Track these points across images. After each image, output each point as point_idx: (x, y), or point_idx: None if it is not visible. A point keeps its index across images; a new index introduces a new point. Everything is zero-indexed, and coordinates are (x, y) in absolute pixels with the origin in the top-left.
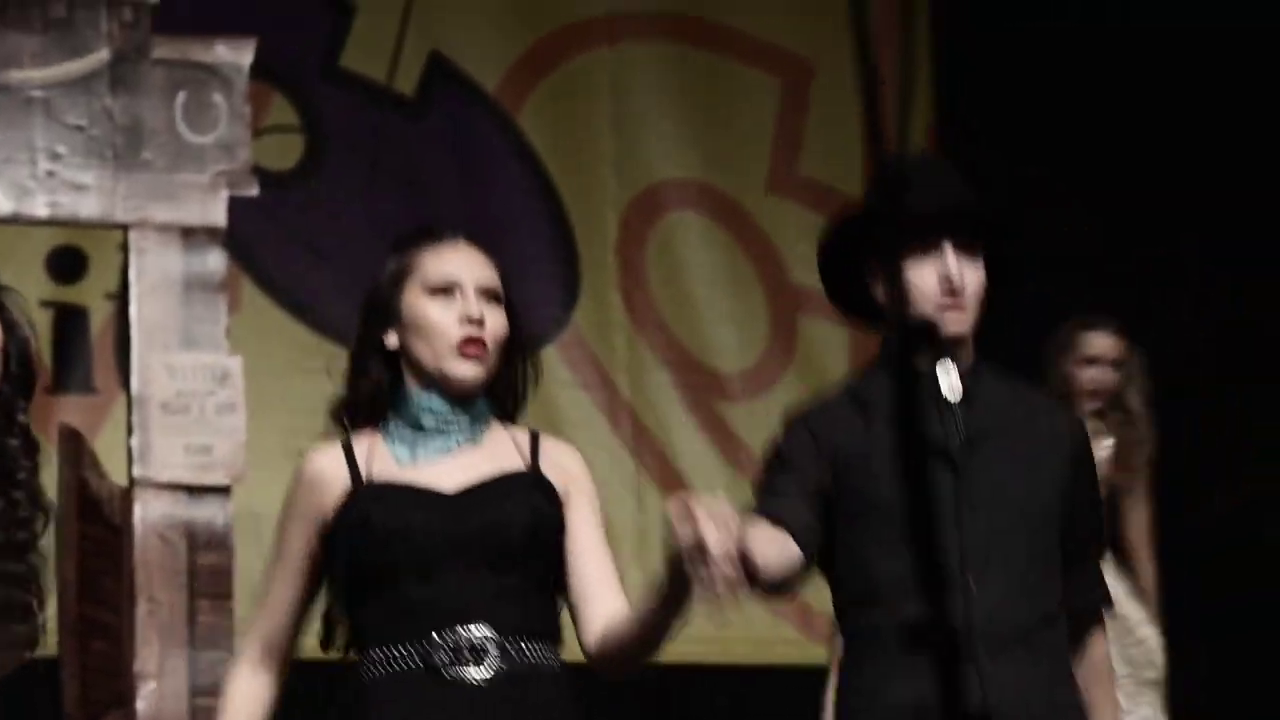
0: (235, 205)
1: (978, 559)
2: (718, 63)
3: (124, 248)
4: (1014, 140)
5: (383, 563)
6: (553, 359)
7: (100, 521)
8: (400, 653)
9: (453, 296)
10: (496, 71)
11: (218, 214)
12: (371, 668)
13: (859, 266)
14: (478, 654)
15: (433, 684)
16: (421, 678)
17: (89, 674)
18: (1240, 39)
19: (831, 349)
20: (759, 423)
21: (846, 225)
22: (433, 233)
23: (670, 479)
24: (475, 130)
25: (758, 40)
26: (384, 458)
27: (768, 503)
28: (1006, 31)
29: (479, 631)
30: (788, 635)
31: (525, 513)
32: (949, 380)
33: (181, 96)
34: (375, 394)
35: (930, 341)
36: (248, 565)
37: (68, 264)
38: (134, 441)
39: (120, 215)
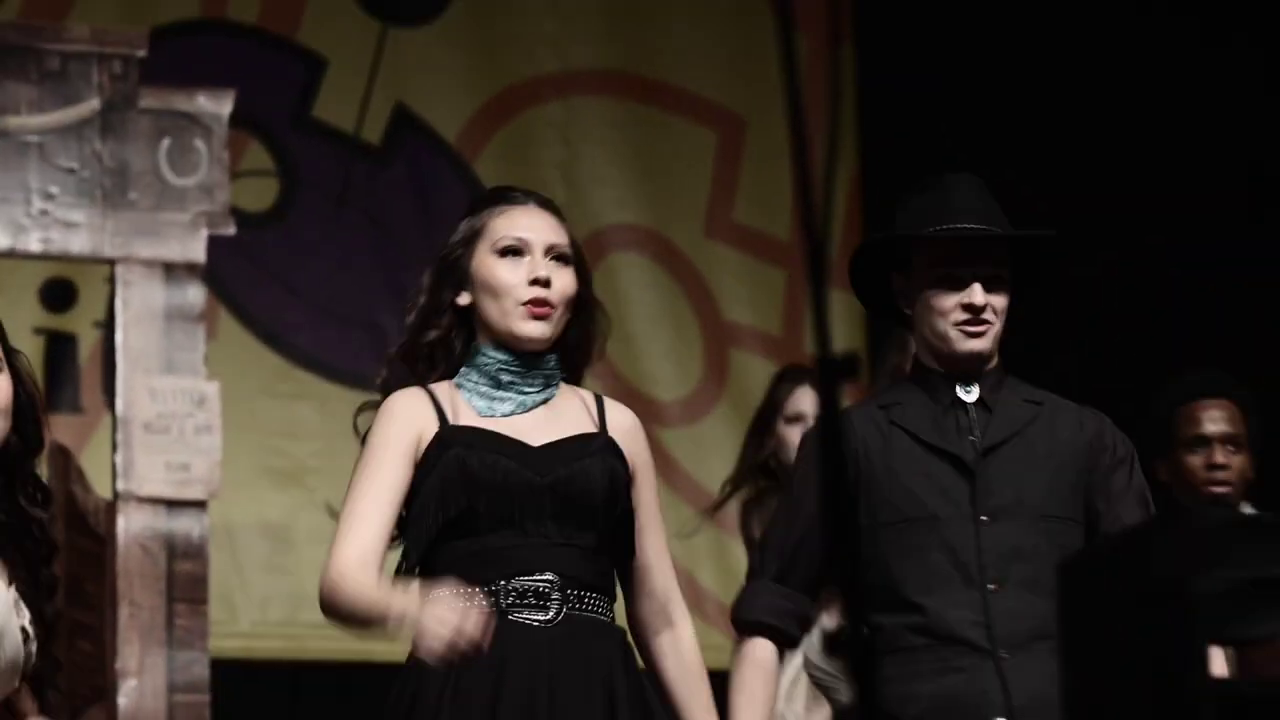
0: (214, 243)
1: (997, 564)
2: (659, 117)
3: (111, 280)
4: None
5: (470, 506)
6: None
7: (86, 532)
8: (469, 593)
9: (521, 257)
10: (456, 123)
11: (198, 251)
12: None
13: (886, 273)
14: (543, 600)
15: (498, 625)
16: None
17: (75, 671)
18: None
19: (760, 381)
20: (693, 447)
21: (878, 240)
22: (504, 196)
23: None
24: (436, 176)
25: (696, 97)
26: (465, 408)
27: (772, 563)
28: (927, 92)
29: (546, 579)
30: (716, 641)
31: (604, 473)
32: (970, 391)
33: (166, 142)
34: (443, 348)
35: (852, 374)
36: (221, 573)
37: (59, 295)
38: (118, 458)
39: (108, 251)
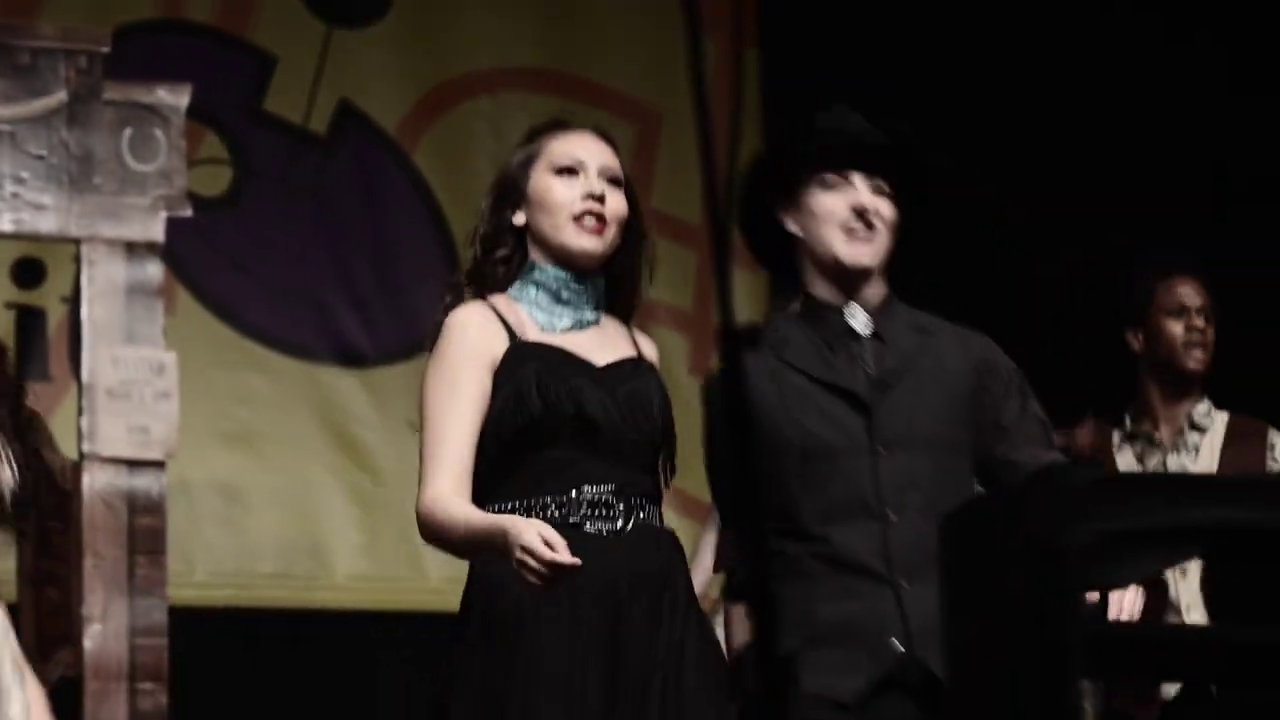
0: (172, 224)
1: (894, 495)
2: (582, 111)
3: (77, 259)
4: None
5: (544, 420)
6: None
7: (54, 489)
8: (541, 504)
9: (576, 176)
10: (396, 116)
11: (157, 231)
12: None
13: (773, 211)
14: (610, 510)
15: (569, 534)
16: (559, 529)
17: (43, 617)
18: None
19: (675, 355)
20: None
21: (759, 167)
22: (561, 122)
23: None
24: (377, 165)
25: (615, 92)
26: (528, 322)
27: (731, 513)
28: (830, 89)
29: (610, 489)
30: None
31: (659, 394)
32: (859, 320)
33: (128, 132)
34: (504, 266)
35: (753, 344)
36: (178, 527)
37: (29, 272)
38: (83, 422)
39: (74, 231)
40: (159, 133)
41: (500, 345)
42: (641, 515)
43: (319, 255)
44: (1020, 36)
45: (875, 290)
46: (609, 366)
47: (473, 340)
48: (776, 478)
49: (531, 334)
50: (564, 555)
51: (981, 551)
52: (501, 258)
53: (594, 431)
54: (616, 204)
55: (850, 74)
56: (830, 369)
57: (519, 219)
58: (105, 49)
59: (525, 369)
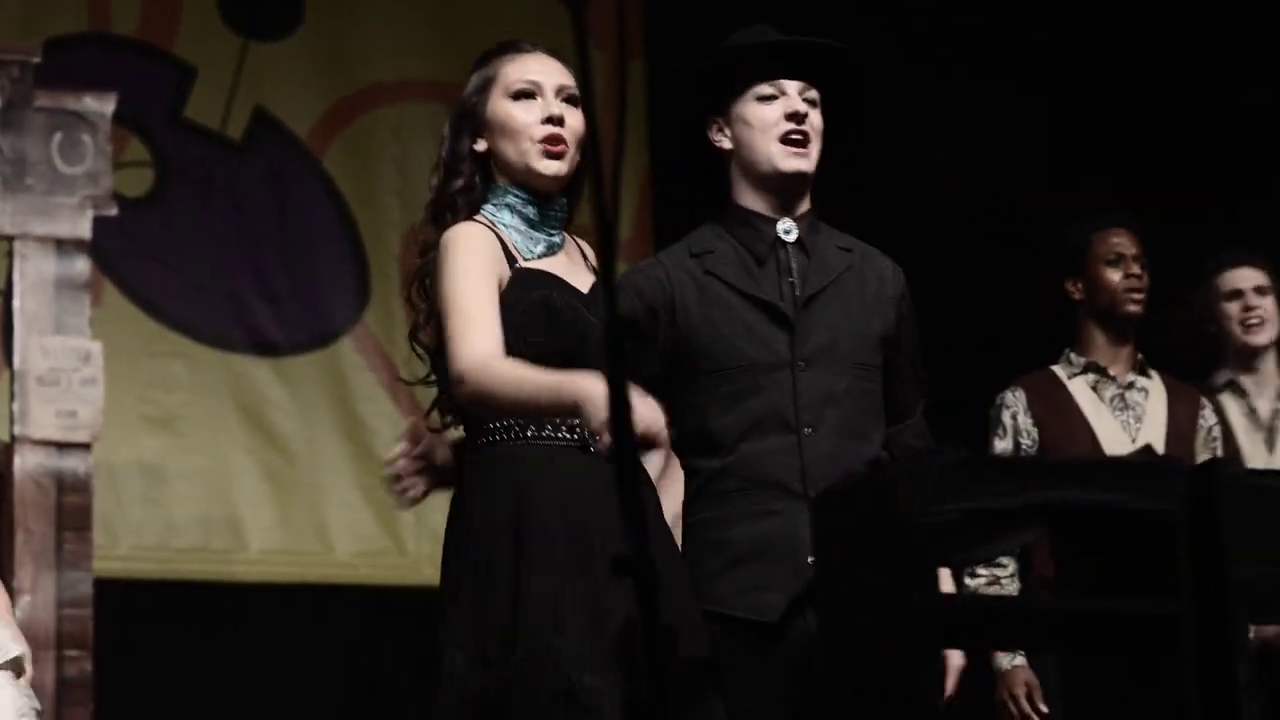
0: (99, 223)
1: (812, 409)
2: None
3: (9, 254)
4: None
5: (550, 343)
6: (347, 347)
7: None
8: (553, 424)
9: (534, 99)
10: (308, 123)
11: (84, 229)
12: (522, 441)
13: (701, 128)
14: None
15: (581, 455)
16: (572, 450)
17: None
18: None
19: None
20: None
21: (691, 78)
22: (512, 44)
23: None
24: (290, 169)
25: None
26: (515, 250)
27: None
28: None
29: None
30: None
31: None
32: (790, 233)
33: (58, 136)
34: (466, 195)
35: (635, 334)
36: (103, 505)
37: None
38: (15, 407)
39: (7, 229)
40: (87, 138)
41: (503, 267)
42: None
43: (235, 252)
44: (908, 57)
45: (803, 204)
46: (590, 292)
47: (486, 253)
48: (694, 392)
49: (520, 260)
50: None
51: (853, 527)
52: (460, 187)
53: (587, 357)
54: (575, 122)
55: None
56: (755, 283)
57: (480, 146)
58: (36, 60)
59: (536, 296)
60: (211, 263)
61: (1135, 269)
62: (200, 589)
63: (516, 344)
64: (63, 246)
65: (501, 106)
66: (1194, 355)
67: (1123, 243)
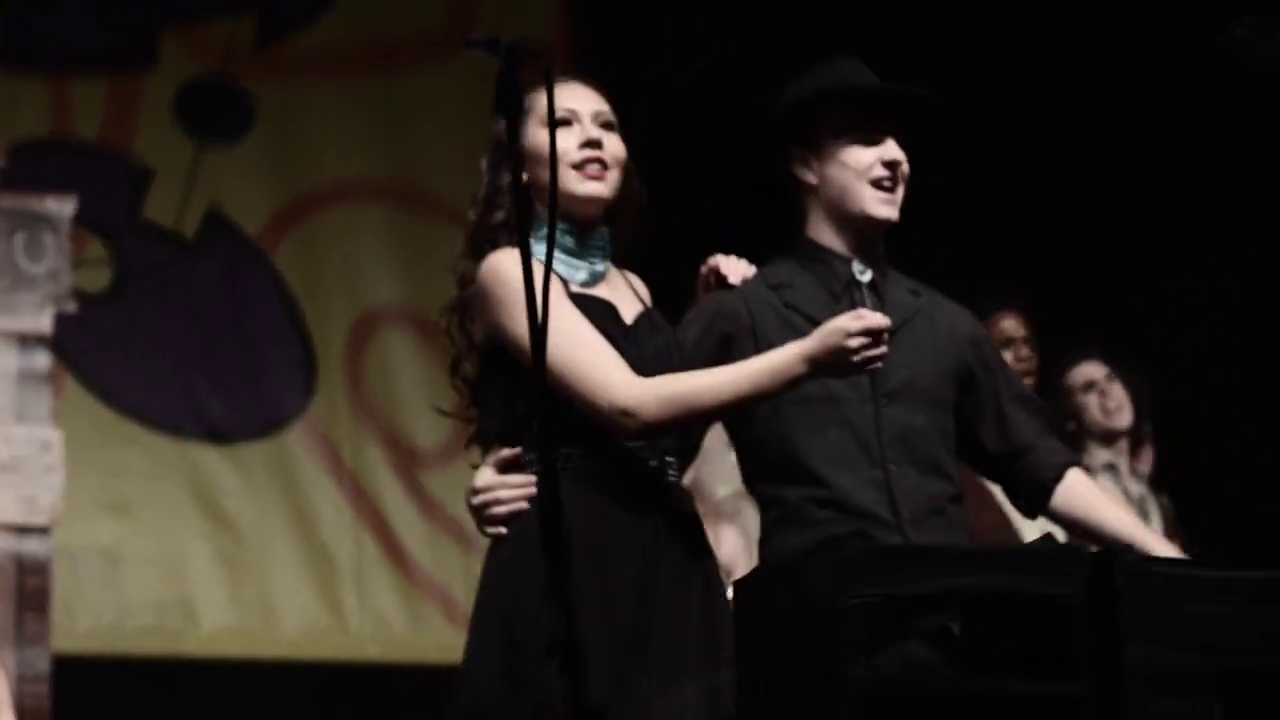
0: (60, 318)
1: (894, 444)
2: (423, 217)
3: None
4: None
5: None
6: (294, 436)
7: None
8: (596, 452)
9: (571, 126)
10: (259, 222)
11: (46, 325)
12: (566, 463)
13: (784, 157)
14: (644, 466)
15: (623, 481)
16: (614, 476)
17: None
18: None
19: None
20: (448, 486)
21: (785, 112)
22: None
23: (381, 527)
24: (241, 266)
25: (454, 204)
26: (557, 275)
27: None
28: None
29: (645, 447)
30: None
31: (678, 351)
32: (865, 273)
33: (20, 236)
34: (506, 229)
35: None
36: (62, 586)
37: None
38: None
39: None
40: (48, 237)
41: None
42: (669, 474)
43: (189, 345)
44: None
45: (879, 248)
46: (637, 321)
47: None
48: (779, 422)
49: (568, 287)
50: (875, 320)
51: (772, 611)
52: (502, 220)
53: None
54: (614, 146)
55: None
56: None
57: (521, 178)
58: (1, 164)
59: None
60: (167, 356)
61: (1025, 351)
62: (154, 666)
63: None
64: (25, 341)
65: (539, 136)
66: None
67: (1011, 326)
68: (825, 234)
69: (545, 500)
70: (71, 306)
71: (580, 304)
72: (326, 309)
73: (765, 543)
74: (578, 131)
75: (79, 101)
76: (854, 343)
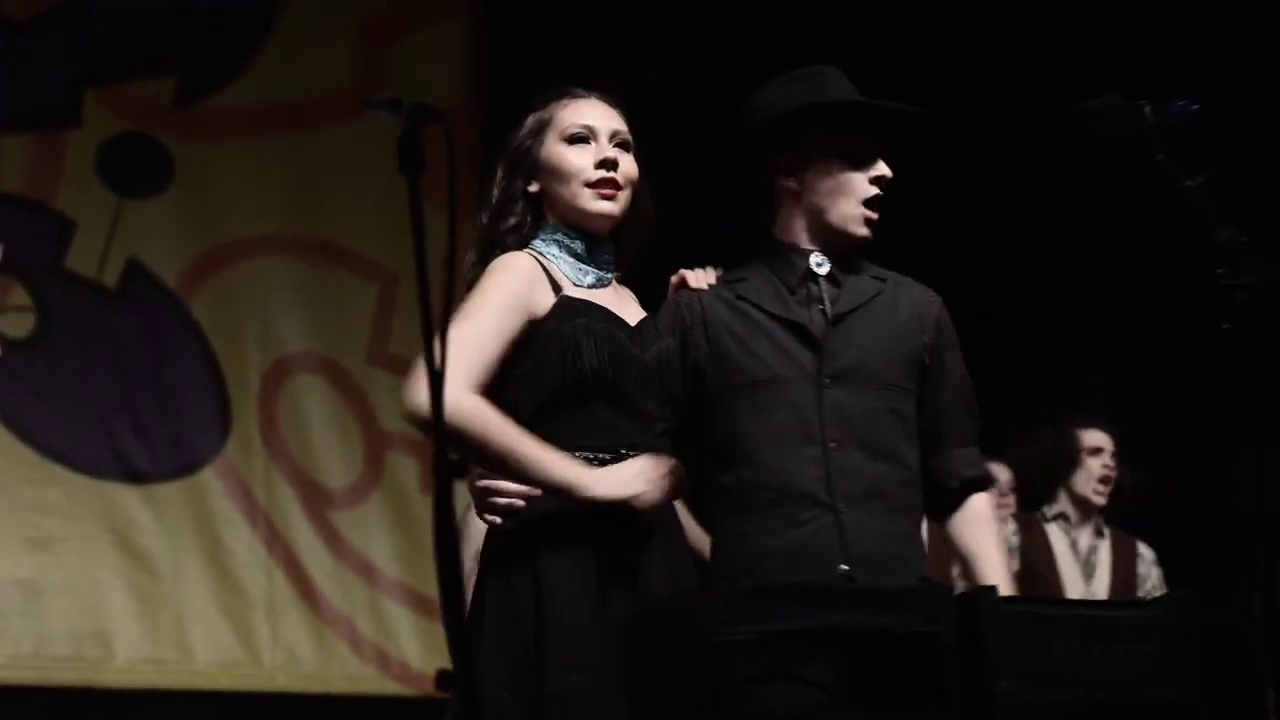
0: None
1: (837, 425)
2: (333, 270)
3: None
4: None
5: (584, 375)
6: (210, 477)
7: None
8: (588, 461)
9: (588, 144)
10: (177, 272)
11: None
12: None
13: (765, 162)
14: None
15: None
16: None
17: None
18: None
19: (408, 475)
20: (357, 526)
21: (774, 122)
22: (568, 90)
23: (292, 564)
24: (160, 314)
25: (362, 255)
26: (561, 276)
27: None
28: None
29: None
30: (370, 673)
31: (676, 358)
32: (819, 266)
33: None
34: (516, 233)
35: (461, 475)
36: None
37: None
38: None
39: None
40: None
41: (545, 296)
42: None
43: (109, 389)
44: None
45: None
46: (637, 327)
47: (519, 284)
48: (725, 405)
49: (568, 288)
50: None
51: (658, 645)
52: (512, 225)
53: (625, 390)
54: (628, 167)
55: None
56: (786, 306)
57: (533, 187)
58: None
59: (575, 325)
60: (88, 400)
61: (1109, 461)
62: (72, 695)
63: (557, 374)
64: None
65: (556, 150)
66: (1034, 487)
67: (1100, 438)
68: (793, 234)
69: (436, 507)
70: None
71: (582, 307)
72: (241, 356)
73: (714, 534)
74: (594, 150)
75: (5, 156)
76: (633, 469)
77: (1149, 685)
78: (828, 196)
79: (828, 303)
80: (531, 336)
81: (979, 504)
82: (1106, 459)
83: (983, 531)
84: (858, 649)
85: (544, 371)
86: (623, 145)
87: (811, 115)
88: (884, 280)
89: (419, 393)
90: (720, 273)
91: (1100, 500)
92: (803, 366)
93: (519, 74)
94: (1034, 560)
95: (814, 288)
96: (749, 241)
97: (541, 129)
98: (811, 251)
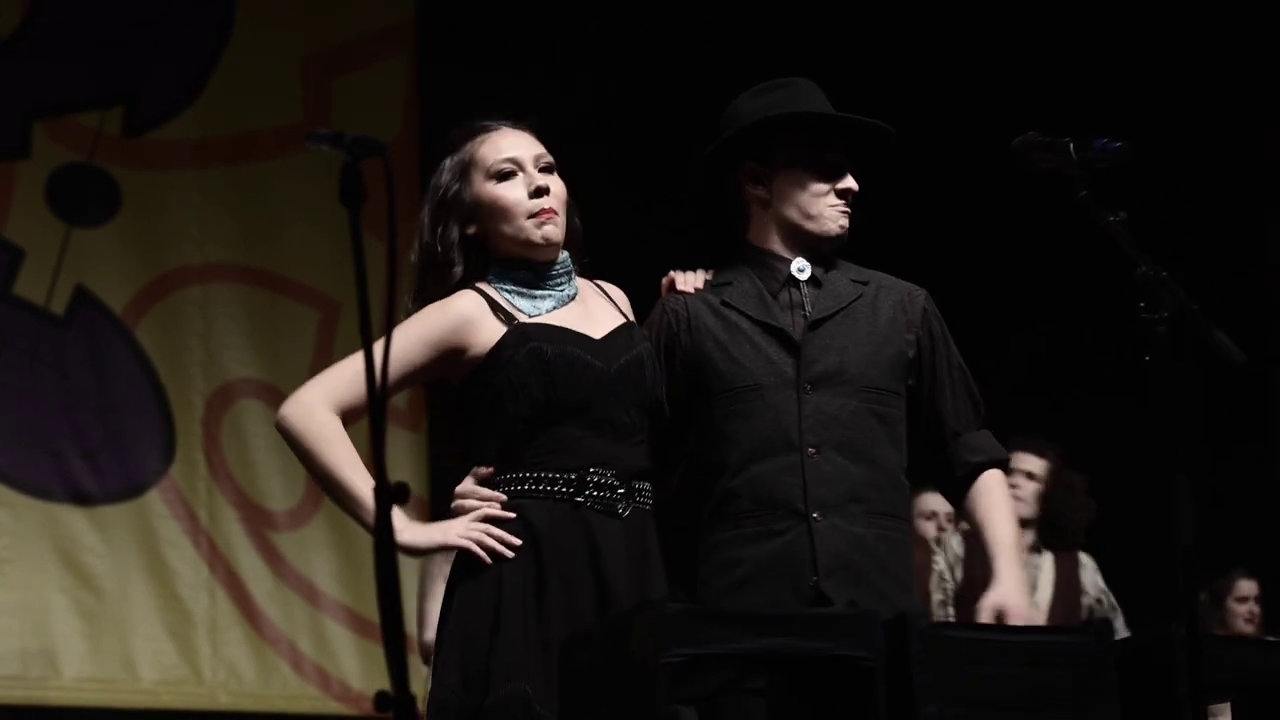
0: None
1: (816, 430)
2: (275, 299)
3: None
4: None
5: (547, 397)
6: (155, 499)
7: None
8: (549, 479)
9: (515, 176)
10: (123, 299)
11: None
12: (520, 492)
13: (733, 172)
14: (613, 493)
15: (575, 515)
16: (567, 508)
17: None
18: None
19: None
20: (298, 547)
21: (743, 132)
22: (478, 125)
23: (235, 584)
24: (106, 340)
25: (304, 285)
26: (518, 309)
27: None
28: None
29: (613, 473)
30: (311, 693)
31: (650, 357)
32: (804, 270)
33: None
34: (452, 279)
35: (403, 500)
36: None
37: None
38: None
39: None
40: None
41: (491, 329)
42: (639, 500)
43: (57, 413)
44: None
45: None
46: (607, 338)
47: (445, 325)
48: (709, 413)
49: (523, 319)
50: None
51: (596, 668)
52: (457, 271)
53: (593, 407)
54: (558, 188)
55: None
56: (768, 311)
57: (470, 230)
58: None
59: (529, 349)
60: (35, 423)
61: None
62: (18, 712)
63: (515, 401)
64: None
65: (487, 190)
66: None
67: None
68: (768, 239)
69: (377, 530)
70: None
71: (535, 331)
72: (185, 380)
73: (700, 540)
74: (524, 180)
75: None
76: (470, 503)
77: (1071, 710)
78: (794, 206)
79: (808, 306)
80: (486, 369)
81: (988, 479)
82: (1037, 484)
83: (987, 501)
84: (791, 674)
85: (504, 402)
86: (547, 169)
87: (780, 125)
88: (865, 283)
89: (286, 403)
90: (709, 275)
91: (1029, 514)
92: (783, 372)
93: (461, 108)
94: (977, 576)
95: (795, 293)
96: (724, 248)
97: (465, 170)
98: (791, 257)
